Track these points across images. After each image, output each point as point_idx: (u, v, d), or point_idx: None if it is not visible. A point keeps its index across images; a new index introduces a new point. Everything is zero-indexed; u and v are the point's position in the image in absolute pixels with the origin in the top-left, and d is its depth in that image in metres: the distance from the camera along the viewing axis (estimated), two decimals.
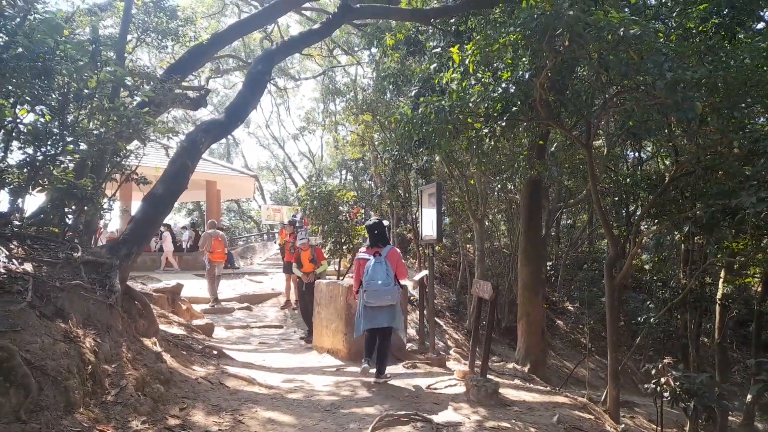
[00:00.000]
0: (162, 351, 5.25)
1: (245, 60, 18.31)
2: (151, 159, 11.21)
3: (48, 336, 3.81)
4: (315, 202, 12.98)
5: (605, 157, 9.61)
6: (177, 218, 32.58)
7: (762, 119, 7.04)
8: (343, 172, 28.29)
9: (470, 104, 7.11)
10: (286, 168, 39.81)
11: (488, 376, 5.71)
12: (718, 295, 9.55)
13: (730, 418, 9.06)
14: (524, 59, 6.15)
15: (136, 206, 11.33)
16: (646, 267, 12.69)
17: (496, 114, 6.99)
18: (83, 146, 5.37)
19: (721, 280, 9.76)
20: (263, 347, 8.45)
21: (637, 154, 14.15)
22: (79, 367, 3.84)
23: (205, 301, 11.41)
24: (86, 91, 4.65)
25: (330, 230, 12.82)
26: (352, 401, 5.16)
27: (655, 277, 13.66)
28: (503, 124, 6.98)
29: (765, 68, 6.13)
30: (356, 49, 20.51)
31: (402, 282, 6.23)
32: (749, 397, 9.22)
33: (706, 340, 11.54)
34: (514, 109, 6.91)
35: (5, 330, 3.59)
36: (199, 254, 17.99)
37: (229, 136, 36.61)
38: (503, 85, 6.74)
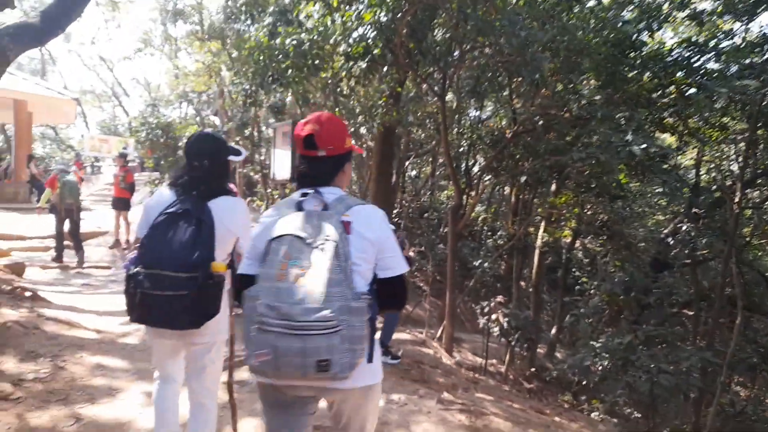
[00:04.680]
0: None
1: None
2: None
3: None
4: (152, 134, 11.82)
5: (454, 110, 10.04)
6: None
7: (590, 88, 7.82)
8: (184, 104, 26.08)
9: (330, 42, 6.86)
10: (115, 94, 35.61)
11: None
12: (538, 243, 10.72)
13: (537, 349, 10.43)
14: (387, 1, 6.02)
15: None
16: (482, 217, 13.75)
17: (357, 55, 6.83)
18: None
19: (541, 230, 10.91)
20: (88, 289, 7.59)
21: (478, 112, 15.01)
22: None
23: (16, 237, 9.90)
24: None
25: (170, 165, 11.83)
26: None
27: (485, 227, 14.96)
28: (363, 66, 6.84)
29: (594, 41, 6.78)
30: None
31: None
32: (554, 330, 10.70)
33: (523, 283, 13.00)
34: (375, 52, 6.80)
35: None
36: (5, 184, 15.53)
37: (44, 50, 31.54)
38: (364, 27, 6.58)
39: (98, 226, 11.85)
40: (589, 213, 11.01)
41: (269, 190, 13.44)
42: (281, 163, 7.35)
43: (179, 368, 2.41)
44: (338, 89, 9.19)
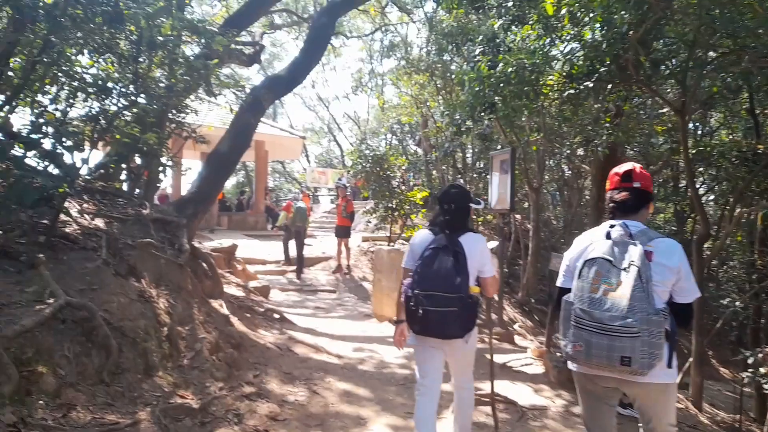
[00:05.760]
0: (229, 314, 5.10)
1: (300, 14, 17.80)
2: (203, 118, 11.07)
3: (123, 295, 3.63)
4: (367, 166, 12.65)
5: (686, 127, 8.84)
6: None
7: None
8: (389, 135, 27.73)
9: (551, 63, 6.58)
10: (330, 130, 39.45)
11: None
12: None
13: None
14: (623, 12, 5.53)
15: (188, 166, 11.17)
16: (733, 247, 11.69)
17: (580, 75, 6.40)
18: (142, 100, 5.10)
19: None
20: (320, 312, 8.29)
21: (701, 127, 13.03)
22: (155, 328, 3.68)
23: (259, 262, 11.35)
24: (159, 38, 4.34)
25: (382, 195, 12.51)
26: None
27: (715, 259, 12.80)
28: (590, 85, 6.37)
29: None
30: (408, 5, 19.66)
31: None
32: None
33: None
34: (602, 69, 6.30)
35: (84, 288, 3.42)
36: (248, 215, 18.07)
37: None
38: (590, 40, 6.16)
39: (323, 251, 13.01)
40: None
41: (474, 217, 13.35)
42: (500, 191, 7.14)
43: (438, 376, 2.87)
44: (562, 112, 8.80)
